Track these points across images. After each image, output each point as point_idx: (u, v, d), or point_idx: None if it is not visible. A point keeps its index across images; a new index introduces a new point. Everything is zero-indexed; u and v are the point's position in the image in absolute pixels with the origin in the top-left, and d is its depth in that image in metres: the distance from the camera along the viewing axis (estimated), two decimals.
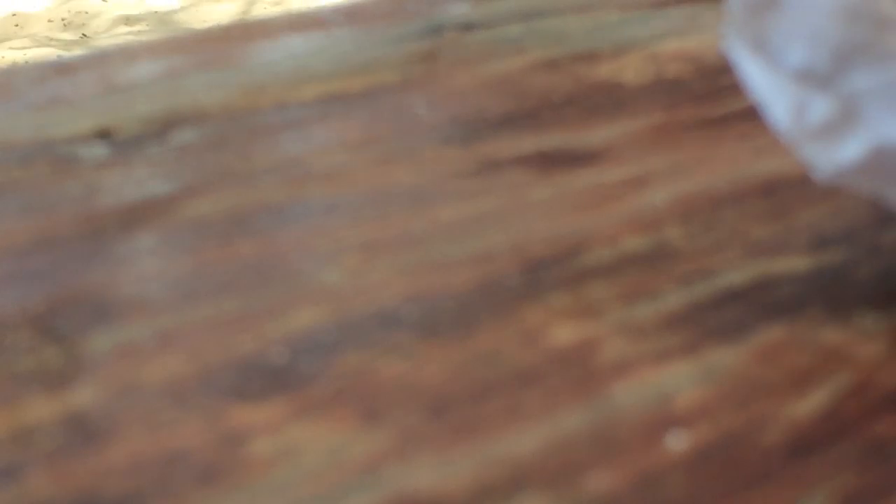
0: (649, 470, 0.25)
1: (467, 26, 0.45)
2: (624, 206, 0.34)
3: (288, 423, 0.26)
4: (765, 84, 0.29)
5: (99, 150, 0.36)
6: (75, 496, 0.24)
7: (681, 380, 0.27)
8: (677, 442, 0.25)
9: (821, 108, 0.28)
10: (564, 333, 0.29)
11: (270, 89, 0.40)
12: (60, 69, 0.41)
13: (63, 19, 3.04)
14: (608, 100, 0.40)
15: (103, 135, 0.37)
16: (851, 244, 0.32)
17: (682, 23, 0.45)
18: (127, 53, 0.42)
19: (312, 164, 0.36)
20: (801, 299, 0.30)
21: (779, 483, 0.24)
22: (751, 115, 0.39)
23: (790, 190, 0.34)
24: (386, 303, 0.30)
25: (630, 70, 0.42)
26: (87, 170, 0.35)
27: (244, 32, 0.44)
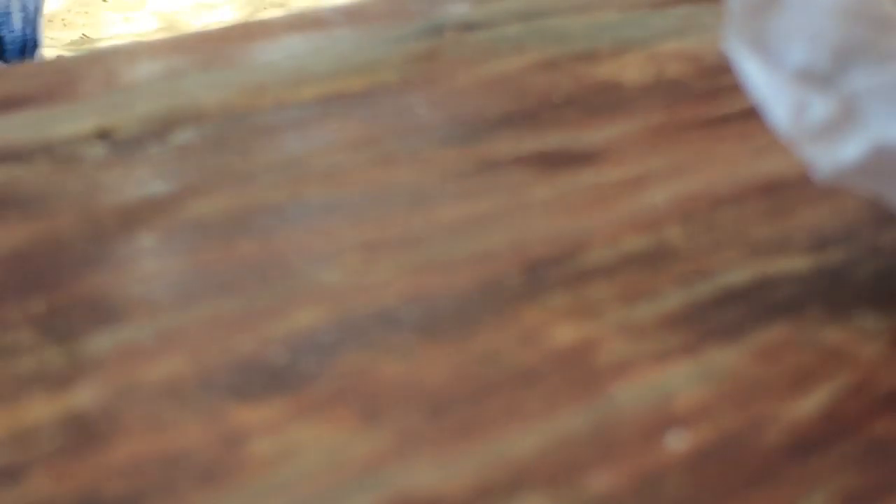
0: (649, 470, 0.25)
1: (467, 26, 0.45)
2: (624, 206, 0.34)
3: (288, 423, 0.26)
4: (765, 84, 0.29)
5: (99, 150, 0.36)
6: (75, 496, 0.24)
7: (681, 380, 0.27)
8: (677, 442, 0.25)
9: (821, 108, 0.28)
10: (564, 333, 0.29)
11: (270, 89, 0.40)
12: (60, 69, 0.41)
13: (63, 19, 3.04)
14: (608, 100, 0.40)
15: (103, 135, 0.37)
16: (851, 244, 0.32)
17: (682, 23, 0.45)
18: (127, 53, 0.42)
19: (312, 164, 0.36)
20: (801, 299, 0.30)
21: (779, 483, 0.24)
22: (751, 115, 0.39)
23: (790, 190, 0.34)
24: (386, 303, 0.30)
25: (630, 70, 0.42)
26: (87, 170, 0.35)
27: (244, 32, 0.44)
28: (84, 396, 0.26)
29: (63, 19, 3.04)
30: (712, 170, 0.35)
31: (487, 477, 0.24)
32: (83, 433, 0.25)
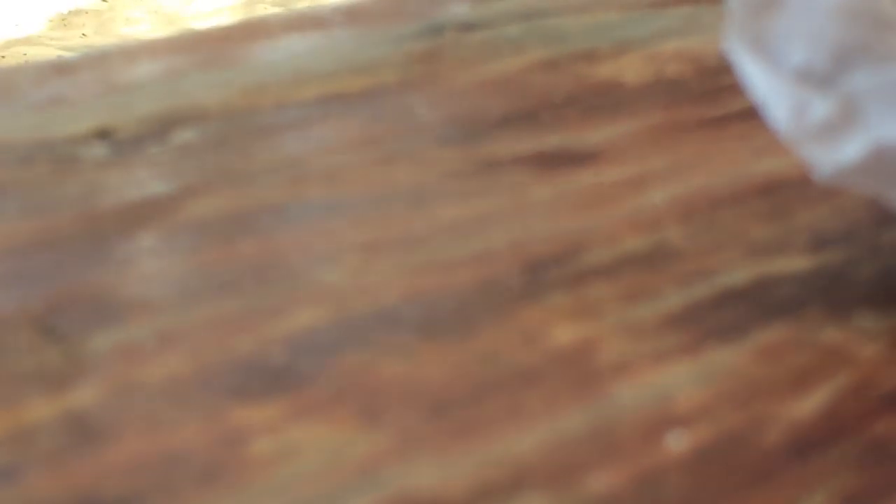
0: (649, 470, 0.25)
1: (467, 26, 0.45)
2: (624, 206, 0.34)
3: (288, 423, 0.26)
4: (765, 84, 0.29)
5: (99, 150, 0.36)
6: (75, 496, 0.24)
7: (681, 380, 0.27)
8: (677, 442, 0.25)
9: (821, 108, 0.28)
10: (564, 333, 0.29)
11: (270, 89, 0.40)
12: (60, 69, 0.41)
13: (63, 19, 3.04)
14: (608, 100, 0.40)
15: (103, 135, 0.37)
16: (851, 244, 0.32)
17: (682, 23, 0.45)
18: (127, 53, 0.42)
19: (312, 164, 0.36)
20: (801, 299, 0.30)
21: (779, 483, 0.24)
22: (751, 115, 0.39)
23: (790, 190, 0.34)
24: (386, 303, 0.30)
25: (630, 70, 0.42)
26: (87, 170, 0.35)
27: (244, 32, 0.44)
28: (84, 396, 0.26)
29: (63, 19, 3.04)
30: (712, 170, 0.35)
31: (487, 477, 0.24)
32: (82, 433, 0.25)
